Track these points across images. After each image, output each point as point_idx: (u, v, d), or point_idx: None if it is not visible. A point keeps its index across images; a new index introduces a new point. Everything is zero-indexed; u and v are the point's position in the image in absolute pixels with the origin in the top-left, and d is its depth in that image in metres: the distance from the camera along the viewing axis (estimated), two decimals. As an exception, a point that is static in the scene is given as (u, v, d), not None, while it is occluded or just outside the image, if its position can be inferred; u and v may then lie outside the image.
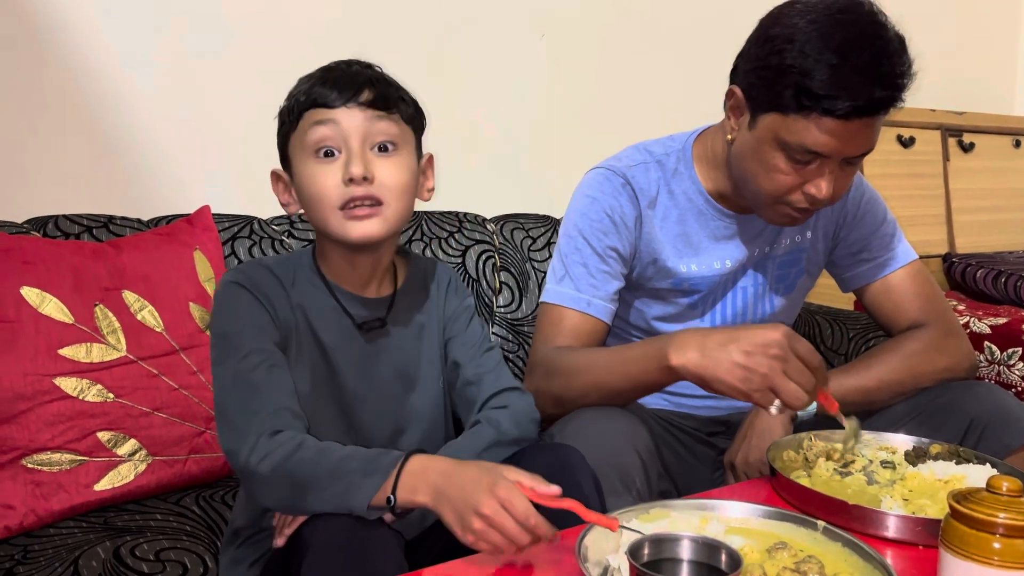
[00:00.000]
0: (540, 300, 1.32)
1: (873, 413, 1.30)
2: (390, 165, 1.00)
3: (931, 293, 1.38)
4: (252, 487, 0.96)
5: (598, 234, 1.27)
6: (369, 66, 1.05)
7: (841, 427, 1.12)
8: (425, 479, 0.89)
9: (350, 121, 0.98)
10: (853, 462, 1.10)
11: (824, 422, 1.23)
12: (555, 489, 0.87)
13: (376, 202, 0.99)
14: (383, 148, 1.00)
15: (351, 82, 1.00)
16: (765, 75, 1.13)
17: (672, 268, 1.31)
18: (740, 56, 1.21)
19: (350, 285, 1.08)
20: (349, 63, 1.05)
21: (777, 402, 0.99)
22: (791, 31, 1.11)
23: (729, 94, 1.22)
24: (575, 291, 1.26)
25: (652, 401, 1.36)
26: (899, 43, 1.11)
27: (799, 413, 1.25)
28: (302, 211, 1.05)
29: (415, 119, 1.06)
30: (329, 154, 0.99)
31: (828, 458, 1.11)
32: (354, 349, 1.08)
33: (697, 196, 1.31)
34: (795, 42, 1.10)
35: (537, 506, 0.85)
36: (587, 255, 1.27)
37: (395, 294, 1.11)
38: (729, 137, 1.23)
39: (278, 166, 1.08)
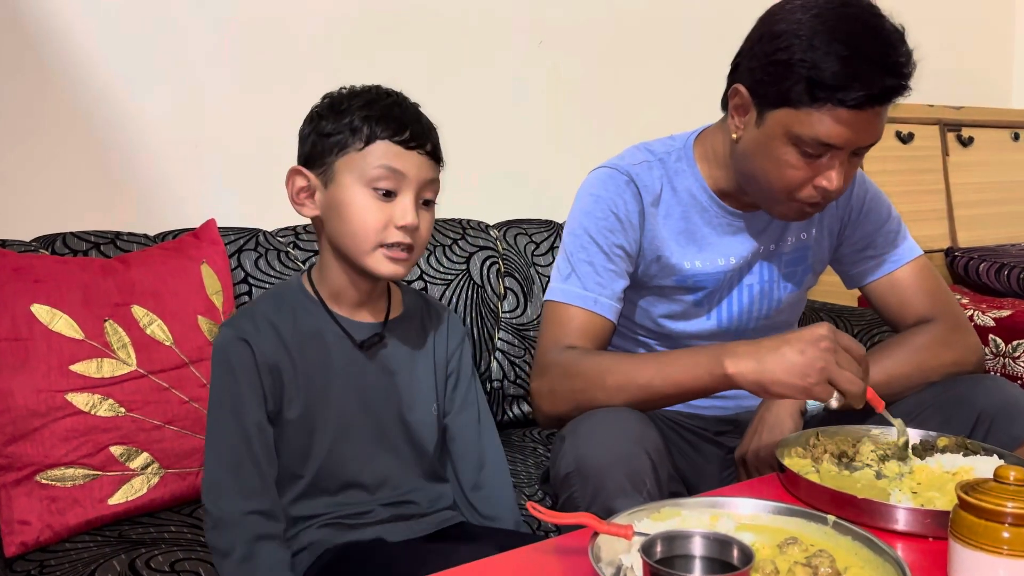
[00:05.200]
0: (545, 299, 1.31)
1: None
2: (429, 219, 1.10)
3: (937, 288, 1.39)
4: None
5: (604, 232, 1.27)
6: (418, 106, 1.11)
7: (863, 423, 1.15)
8: None
9: (415, 171, 1.06)
10: (855, 458, 1.11)
11: (830, 419, 1.24)
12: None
13: (411, 248, 1.07)
14: (426, 202, 1.09)
15: (420, 129, 1.07)
16: (773, 71, 1.14)
17: (676, 265, 1.31)
18: (741, 54, 1.21)
19: (346, 307, 1.13)
20: (398, 96, 1.09)
21: (836, 393, 1.03)
22: (796, 26, 1.12)
23: (733, 92, 1.21)
24: (582, 289, 1.26)
25: None
26: (899, 35, 1.14)
27: (808, 408, 1.27)
28: (316, 215, 1.09)
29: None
30: (388, 195, 1.05)
31: (837, 453, 1.11)
32: (354, 368, 1.12)
33: (701, 193, 1.31)
34: (802, 36, 1.11)
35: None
36: (593, 253, 1.27)
37: (389, 319, 1.16)
38: (734, 136, 1.23)
39: (294, 164, 1.09)
